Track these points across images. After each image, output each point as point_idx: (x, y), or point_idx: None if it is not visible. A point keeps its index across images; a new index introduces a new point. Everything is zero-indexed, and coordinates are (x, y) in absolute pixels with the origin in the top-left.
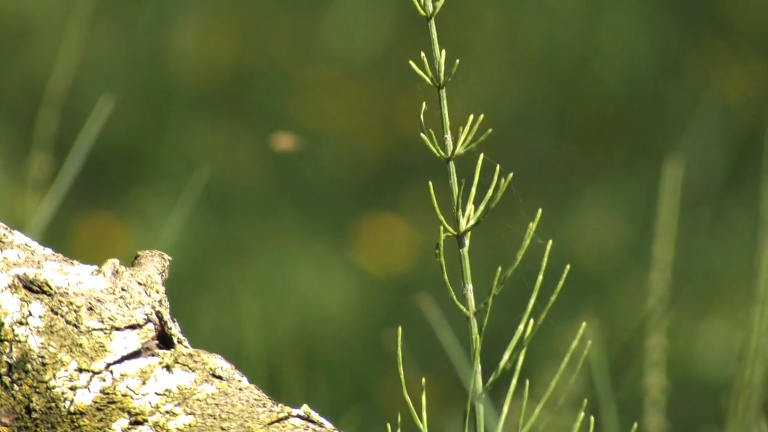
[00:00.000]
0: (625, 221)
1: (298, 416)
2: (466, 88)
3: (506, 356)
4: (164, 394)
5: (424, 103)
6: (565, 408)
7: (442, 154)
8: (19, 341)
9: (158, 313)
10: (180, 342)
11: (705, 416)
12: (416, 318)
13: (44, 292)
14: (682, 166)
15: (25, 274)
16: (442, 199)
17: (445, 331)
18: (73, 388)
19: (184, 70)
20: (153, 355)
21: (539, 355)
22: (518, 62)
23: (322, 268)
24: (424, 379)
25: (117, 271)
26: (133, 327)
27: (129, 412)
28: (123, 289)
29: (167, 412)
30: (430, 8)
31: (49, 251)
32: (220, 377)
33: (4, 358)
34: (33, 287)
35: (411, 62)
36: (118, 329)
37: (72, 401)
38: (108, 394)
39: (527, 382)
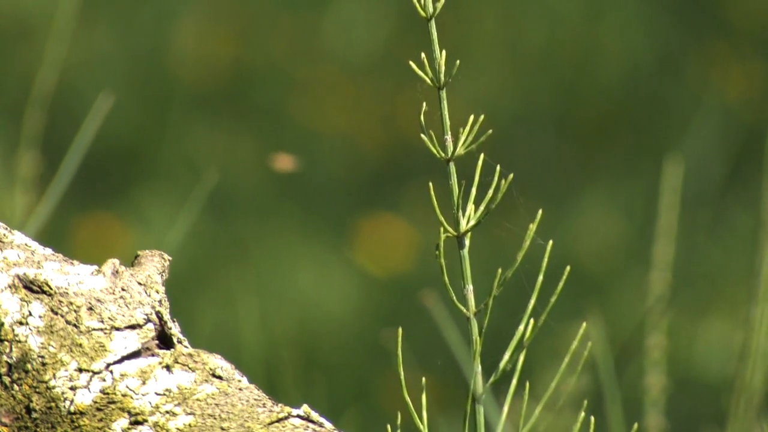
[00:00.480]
0: (625, 221)
1: (298, 416)
2: (466, 88)
3: (506, 356)
4: (164, 394)
5: (424, 104)
6: (566, 408)
7: (443, 155)
8: (19, 341)
9: (158, 313)
10: (180, 342)
11: (705, 416)
12: (416, 318)
13: (44, 292)
14: (682, 166)
15: (25, 274)
16: (442, 199)
17: (449, 330)
18: (73, 388)
19: (184, 70)
20: (153, 355)
21: (539, 355)
22: (518, 62)
23: (322, 268)
24: (424, 379)
25: (117, 271)
26: (133, 327)
27: (129, 412)
28: (123, 289)
29: (167, 412)
30: (431, 9)
31: (49, 251)
32: (220, 377)
33: (4, 358)
34: (33, 287)
35: (411, 63)
36: (118, 329)
37: (72, 401)
38: (108, 394)
39: (527, 383)
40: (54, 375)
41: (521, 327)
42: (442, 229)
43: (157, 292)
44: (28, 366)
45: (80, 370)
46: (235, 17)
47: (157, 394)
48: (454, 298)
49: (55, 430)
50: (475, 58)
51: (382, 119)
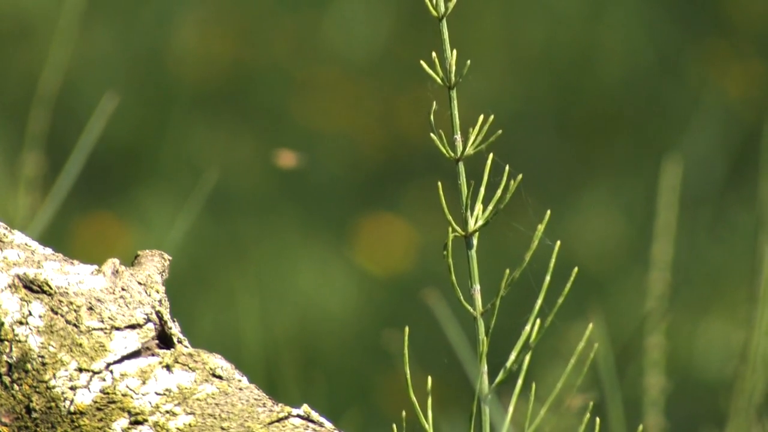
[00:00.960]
0: (625, 221)
1: (298, 416)
2: (466, 87)
3: (512, 357)
4: (164, 394)
5: (434, 103)
6: (570, 409)
7: (452, 154)
8: (19, 341)
9: (158, 313)
10: (180, 342)
11: (705, 416)
12: (416, 318)
13: (44, 292)
14: (682, 166)
15: (25, 273)
16: (445, 199)
17: (451, 329)
18: (73, 388)
19: (185, 70)
20: (153, 354)
21: (540, 355)
22: (518, 62)
23: (322, 268)
24: (430, 378)
25: (117, 271)
26: (133, 327)
27: (129, 412)
28: (123, 289)
29: (167, 412)
30: (442, 9)
31: (49, 251)
32: (220, 377)
33: (4, 357)
34: (33, 287)
35: (422, 62)
36: (118, 329)
37: (72, 401)
38: (108, 393)
39: (533, 384)
40: (54, 375)
41: (527, 327)
42: (450, 229)
43: (157, 291)
44: (28, 366)
45: (80, 370)
46: (236, 17)
47: (157, 393)
48: (461, 297)
49: (55, 430)
50: (475, 57)
51: (382, 119)
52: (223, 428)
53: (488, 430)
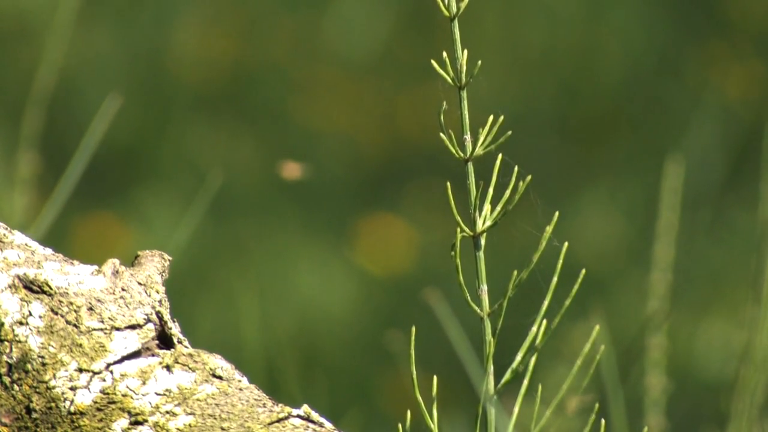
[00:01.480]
0: (625, 221)
1: (299, 416)
2: (467, 88)
3: (518, 358)
4: (164, 394)
5: (444, 103)
6: (574, 410)
7: (461, 155)
8: (19, 341)
9: (158, 313)
10: (180, 342)
11: (705, 416)
12: (416, 317)
13: (44, 292)
14: (683, 166)
15: (25, 274)
16: (445, 199)
17: (453, 329)
18: (73, 388)
19: (185, 70)
20: (153, 355)
21: (541, 355)
22: (518, 63)
23: (322, 268)
24: (435, 378)
25: (117, 271)
26: (133, 327)
27: (129, 412)
28: (123, 289)
29: (167, 412)
30: (454, 9)
31: (49, 251)
32: (220, 377)
33: (4, 358)
34: (33, 287)
35: (433, 62)
36: (118, 329)
37: (72, 401)
38: (108, 394)
39: (539, 386)
40: (54, 375)
41: (534, 329)
42: (458, 229)
43: (158, 292)
44: (28, 366)
45: (80, 370)
46: (236, 17)
47: (157, 394)
48: (468, 297)
49: (55, 431)
50: (476, 58)
51: (382, 119)
52: (223, 428)
53: (493, 431)
